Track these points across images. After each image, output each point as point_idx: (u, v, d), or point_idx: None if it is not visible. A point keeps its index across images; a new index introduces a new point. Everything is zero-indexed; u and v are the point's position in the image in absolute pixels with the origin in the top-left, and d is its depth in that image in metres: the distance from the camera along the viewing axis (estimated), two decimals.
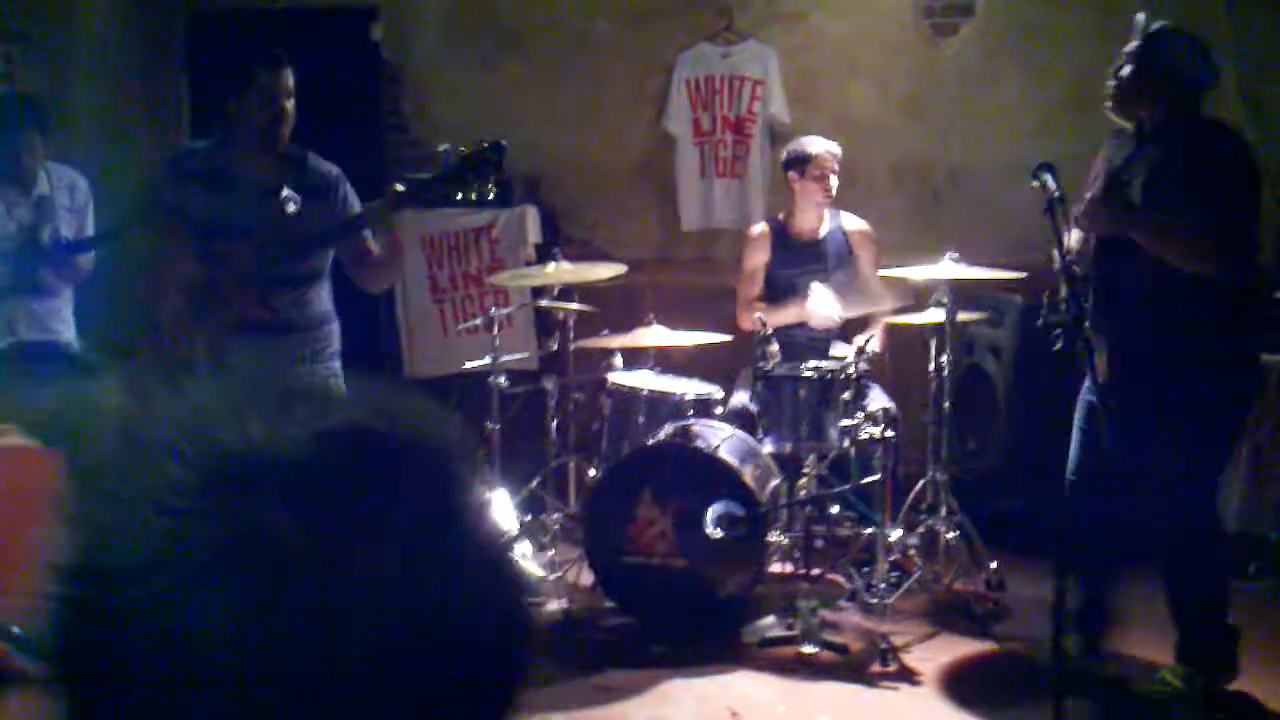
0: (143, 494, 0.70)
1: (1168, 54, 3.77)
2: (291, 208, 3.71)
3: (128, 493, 0.70)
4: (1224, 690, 3.80)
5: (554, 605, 4.78)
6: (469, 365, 5.37)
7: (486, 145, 3.63)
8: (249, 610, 0.68)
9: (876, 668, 4.15)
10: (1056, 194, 3.29)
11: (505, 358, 5.33)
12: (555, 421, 5.36)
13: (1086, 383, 3.73)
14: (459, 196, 3.75)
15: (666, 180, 6.53)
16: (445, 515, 0.77)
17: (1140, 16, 3.80)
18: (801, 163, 5.30)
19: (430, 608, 0.72)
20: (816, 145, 5.28)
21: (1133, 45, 3.84)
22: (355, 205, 3.89)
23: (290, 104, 3.76)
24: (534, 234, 6.25)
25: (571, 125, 6.57)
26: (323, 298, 3.90)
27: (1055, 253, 3.21)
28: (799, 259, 5.29)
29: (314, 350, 3.85)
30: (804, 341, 5.14)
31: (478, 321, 5.44)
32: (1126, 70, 3.81)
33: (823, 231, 5.39)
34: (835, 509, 4.78)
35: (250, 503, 0.70)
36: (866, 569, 4.74)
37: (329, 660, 0.69)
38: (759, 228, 5.45)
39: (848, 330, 5.17)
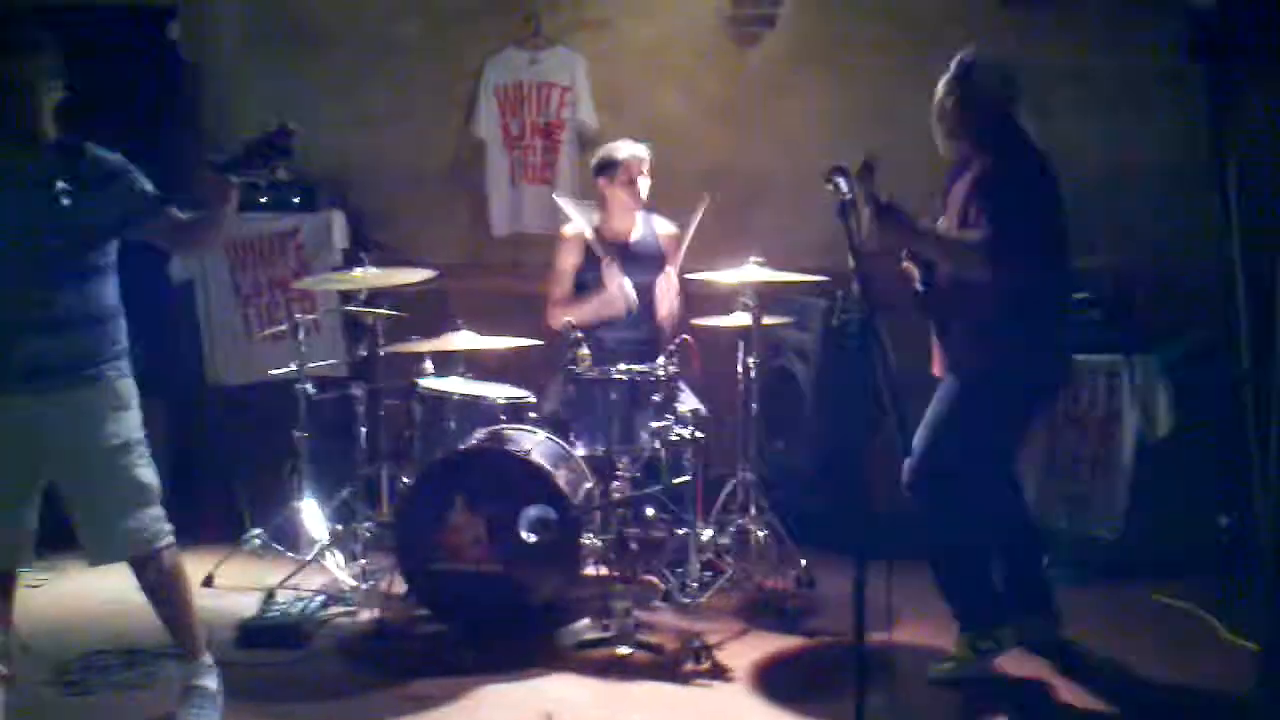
0: None
1: (981, 83, 3.99)
2: (65, 201, 3.55)
3: None
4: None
5: (366, 615, 4.71)
6: (274, 372, 5.24)
7: (272, 129, 3.56)
8: None
9: (690, 666, 4.20)
10: (849, 197, 3.39)
11: (312, 364, 5.23)
12: (365, 429, 5.28)
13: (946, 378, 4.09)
14: (246, 178, 3.66)
15: (476, 186, 6.50)
16: None
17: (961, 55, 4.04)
18: (610, 168, 5.34)
19: None
20: (624, 150, 5.33)
21: (948, 78, 4.02)
22: (146, 189, 3.74)
23: (49, 92, 3.60)
24: (340, 239, 6.15)
25: (379, 129, 6.48)
26: (106, 292, 3.74)
27: (850, 254, 3.30)
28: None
29: (97, 347, 3.70)
30: (614, 345, 5.18)
31: (283, 327, 5.32)
32: (949, 103, 4.02)
33: (634, 235, 5.44)
34: (648, 511, 4.82)
35: None
36: (679, 569, 4.79)
37: None
38: (571, 229, 5.47)
39: (658, 341, 5.22)
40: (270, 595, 4.79)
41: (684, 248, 5.27)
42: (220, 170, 3.64)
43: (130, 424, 3.76)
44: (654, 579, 4.88)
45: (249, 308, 6.17)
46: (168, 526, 3.81)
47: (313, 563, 5.04)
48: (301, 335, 5.14)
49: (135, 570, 3.81)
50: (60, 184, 3.57)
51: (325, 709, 3.96)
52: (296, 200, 6.13)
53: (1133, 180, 5.91)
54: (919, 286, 4.08)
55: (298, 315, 5.23)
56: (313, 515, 5.21)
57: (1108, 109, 5.93)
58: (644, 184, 5.34)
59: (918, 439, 4.00)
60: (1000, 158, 3.95)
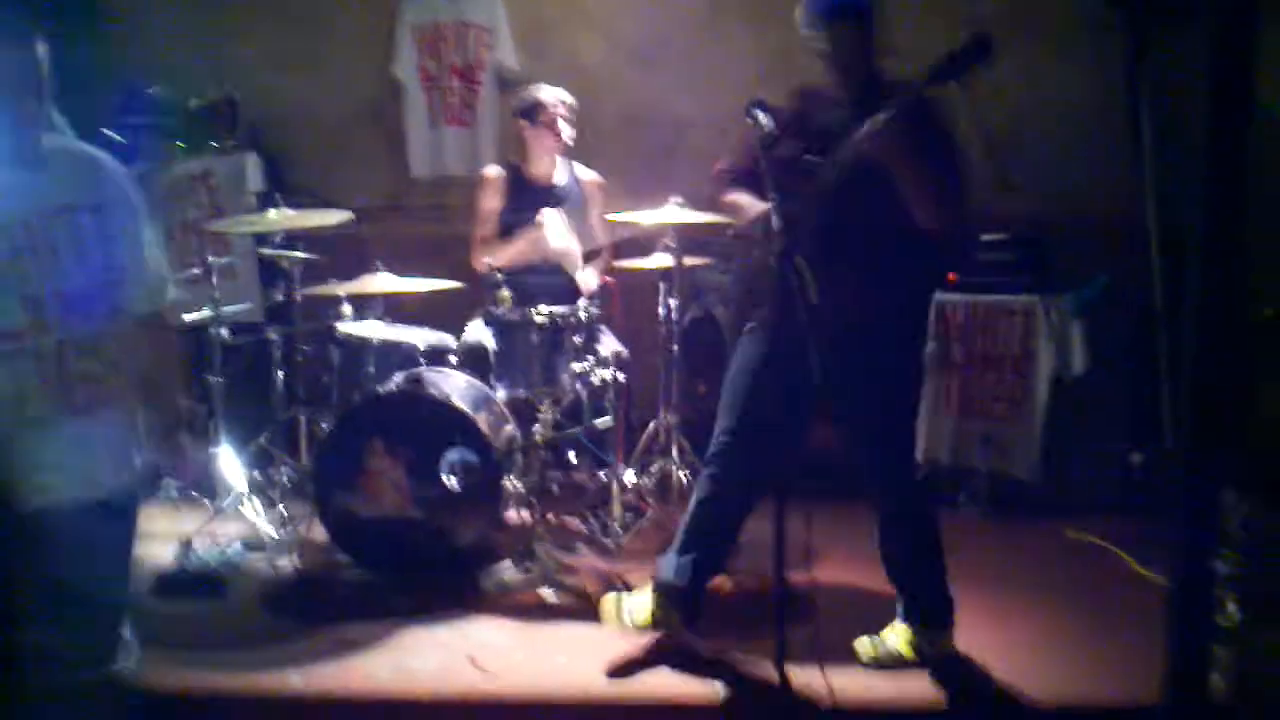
0: None
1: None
2: None
3: None
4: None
5: (286, 562, 4.66)
6: (188, 317, 5.14)
7: (221, 100, 3.48)
8: None
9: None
10: (770, 129, 3.36)
11: (227, 309, 5.14)
12: (282, 374, 5.21)
13: (751, 327, 3.83)
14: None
15: (395, 127, 6.40)
16: None
17: None
18: (532, 110, 5.29)
19: None
20: (546, 93, 5.29)
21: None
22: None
23: None
24: (255, 182, 6.02)
25: (295, 70, 6.35)
26: None
27: (770, 190, 3.27)
28: (533, 204, 5.28)
29: None
30: (536, 287, 5.15)
31: (196, 271, 5.21)
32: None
33: (557, 179, 5.40)
34: (570, 454, 4.82)
35: None
36: (601, 512, 4.80)
37: None
38: (494, 170, 5.41)
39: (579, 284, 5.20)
40: (188, 544, 4.72)
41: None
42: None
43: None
44: (576, 522, 4.89)
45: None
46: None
47: (230, 510, 4.98)
48: (215, 279, 5.04)
49: None
50: None
51: (247, 657, 3.92)
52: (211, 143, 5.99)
53: (1050, 122, 5.96)
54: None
55: (211, 258, 5.12)
56: (229, 462, 5.14)
57: (1028, 51, 5.97)
58: (566, 129, 5.29)
59: (873, 457, 3.79)
60: (919, 104, 3.74)
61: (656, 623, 3.88)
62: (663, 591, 3.88)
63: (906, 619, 3.89)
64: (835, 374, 3.33)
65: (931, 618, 3.87)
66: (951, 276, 5.46)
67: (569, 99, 5.30)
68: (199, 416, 5.29)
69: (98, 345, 2.74)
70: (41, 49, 2.67)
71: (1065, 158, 5.92)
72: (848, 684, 3.58)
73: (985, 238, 5.50)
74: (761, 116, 3.39)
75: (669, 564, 3.88)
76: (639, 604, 3.95)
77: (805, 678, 3.40)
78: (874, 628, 3.97)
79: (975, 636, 4.02)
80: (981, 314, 5.39)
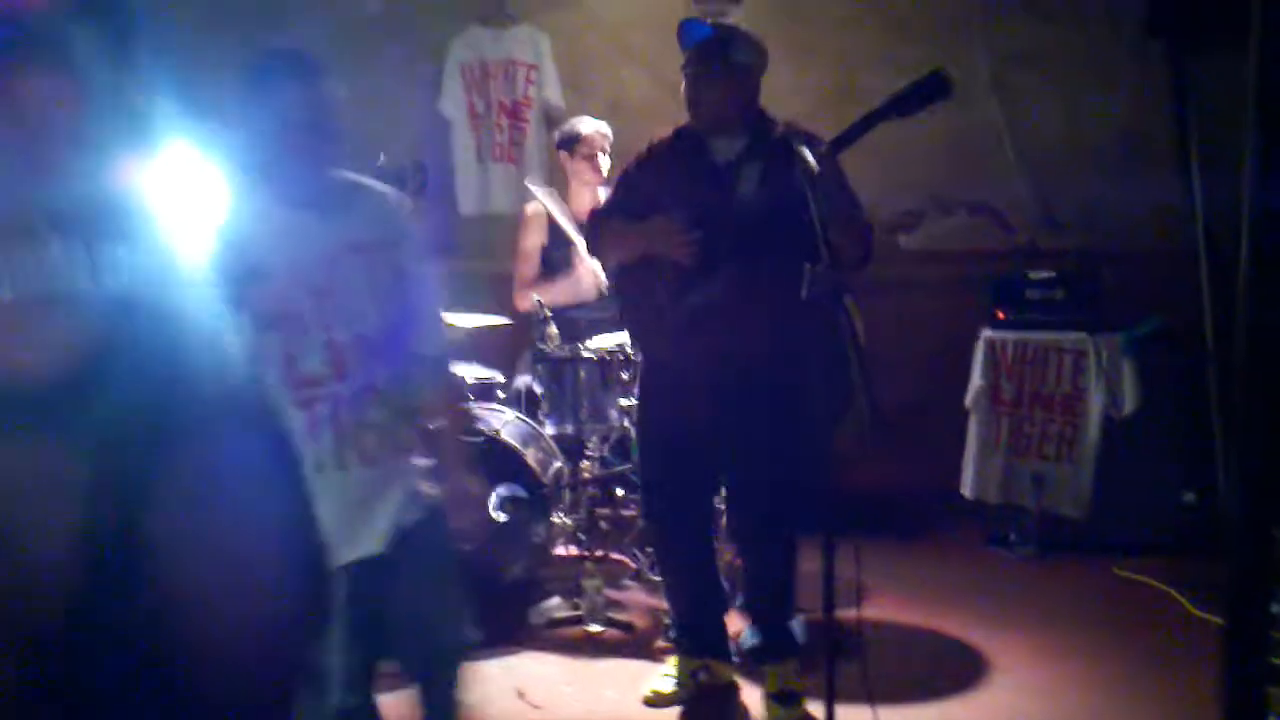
0: None
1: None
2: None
3: None
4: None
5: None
6: None
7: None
8: None
9: (660, 643, 4.22)
10: (814, 168, 3.38)
11: None
12: None
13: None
14: None
15: (443, 165, 6.47)
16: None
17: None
18: (572, 142, 5.34)
19: None
20: (586, 125, 5.33)
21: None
22: None
23: None
24: None
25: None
26: None
27: (818, 225, 3.29)
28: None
29: None
30: (583, 323, 5.18)
31: None
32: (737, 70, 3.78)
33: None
34: (618, 490, 4.83)
35: None
36: (649, 548, 4.81)
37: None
38: (534, 207, 5.46)
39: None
40: None
41: None
42: None
43: None
44: (624, 558, 4.89)
45: None
46: None
47: None
48: None
49: None
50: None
51: None
52: None
53: (1097, 158, 5.95)
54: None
55: None
56: None
57: (1071, 87, 5.97)
58: (604, 161, 5.34)
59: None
60: (796, 138, 3.69)
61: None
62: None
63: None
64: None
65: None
66: (1000, 314, 5.45)
67: (606, 129, 5.34)
68: None
69: (392, 391, 2.63)
70: (331, 87, 2.60)
71: (1112, 191, 5.90)
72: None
73: (1034, 275, 5.48)
74: (808, 155, 3.40)
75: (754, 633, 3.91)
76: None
77: (855, 716, 3.39)
78: (924, 665, 3.95)
79: (1025, 675, 4.00)
80: (1031, 352, 5.37)
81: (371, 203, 2.69)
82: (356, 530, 2.61)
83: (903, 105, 3.10)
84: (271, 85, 2.52)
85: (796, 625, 3.90)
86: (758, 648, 3.86)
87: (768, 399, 3.67)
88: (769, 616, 3.86)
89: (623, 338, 4.65)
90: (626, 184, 3.98)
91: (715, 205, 3.65)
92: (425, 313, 2.75)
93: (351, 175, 2.72)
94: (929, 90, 3.09)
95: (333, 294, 2.55)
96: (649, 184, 3.86)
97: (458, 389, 3.07)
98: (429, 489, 2.75)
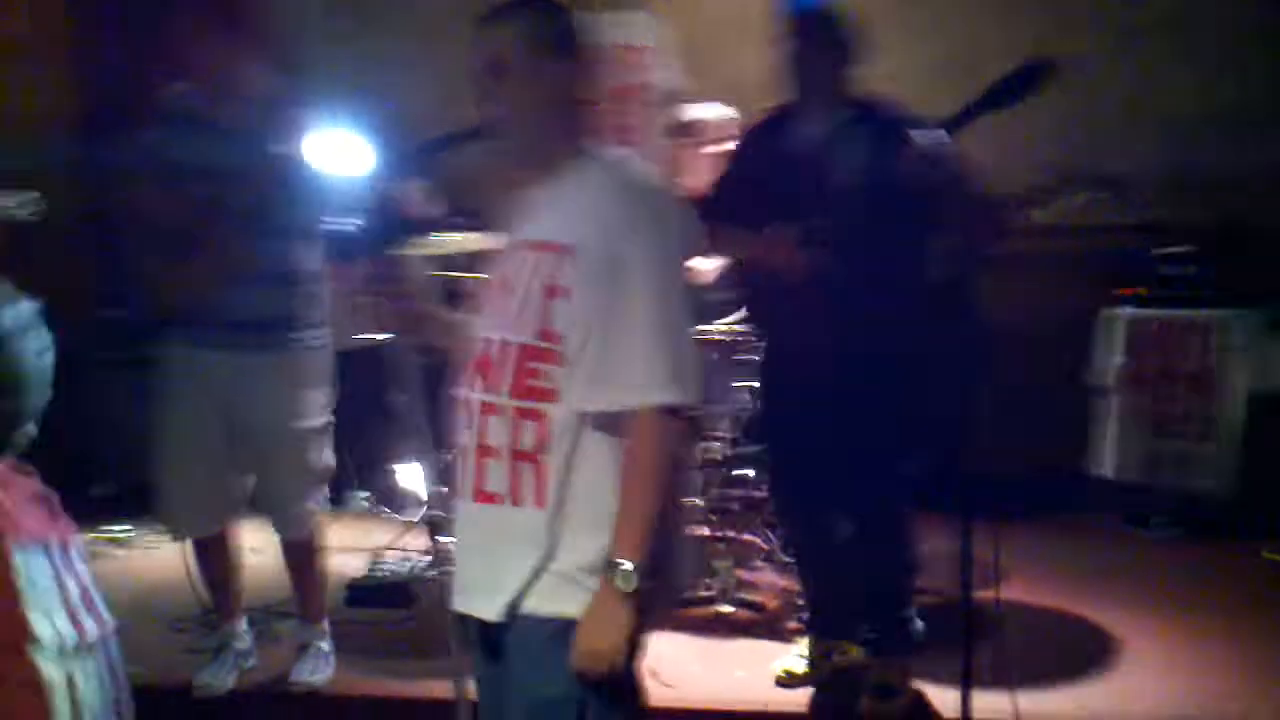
0: None
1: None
2: (270, 153, 3.57)
3: None
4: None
5: None
6: (375, 337, 5.31)
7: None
8: None
9: (791, 624, 4.22)
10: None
11: None
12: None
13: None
14: None
15: None
16: None
17: None
18: (687, 128, 5.30)
19: None
20: (701, 110, 5.29)
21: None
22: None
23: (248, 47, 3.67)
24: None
25: (451, 100, 6.48)
26: (307, 256, 3.78)
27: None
28: None
29: (293, 310, 3.74)
30: (710, 303, 5.18)
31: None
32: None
33: None
34: (749, 470, 4.82)
35: None
36: (779, 528, 4.80)
37: None
38: None
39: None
40: (377, 556, 4.88)
41: None
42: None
43: (318, 403, 3.82)
44: (755, 538, 4.89)
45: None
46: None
47: (418, 524, 5.13)
48: None
49: (286, 542, 3.92)
50: (266, 136, 3.58)
51: (431, 666, 4.03)
52: None
53: (1231, 128, 5.76)
54: None
55: None
56: (416, 478, 5.30)
57: (1204, 58, 5.79)
58: (721, 145, 5.30)
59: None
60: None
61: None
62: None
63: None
64: None
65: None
66: (1131, 290, 5.34)
67: (726, 114, 5.30)
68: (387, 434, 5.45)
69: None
70: None
71: (1246, 161, 5.71)
72: (1035, 706, 3.51)
73: (1167, 250, 5.35)
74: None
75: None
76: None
77: (991, 700, 3.35)
78: (1062, 648, 3.89)
79: (1165, 660, 3.92)
80: (1170, 329, 5.24)
81: None
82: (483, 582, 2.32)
83: (999, 98, 3.02)
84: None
85: (916, 623, 3.85)
86: (869, 639, 3.84)
87: (886, 381, 3.63)
88: (880, 609, 3.83)
89: (747, 318, 4.65)
90: (730, 171, 3.96)
91: (812, 189, 3.60)
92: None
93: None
94: (1024, 81, 3.00)
95: None
96: (750, 169, 3.84)
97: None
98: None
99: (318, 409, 3.82)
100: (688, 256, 2.32)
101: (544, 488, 2.21)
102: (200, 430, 3.70)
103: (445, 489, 5.22)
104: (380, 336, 5.27)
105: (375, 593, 4.60)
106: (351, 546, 5.11)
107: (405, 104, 5.58)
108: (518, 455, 2.22)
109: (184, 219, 3.59)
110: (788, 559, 4.58)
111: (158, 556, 5.08)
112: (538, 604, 2.22)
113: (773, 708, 3.72)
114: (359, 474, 5.67)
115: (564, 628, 2.20)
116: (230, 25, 3.65)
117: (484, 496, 2.26)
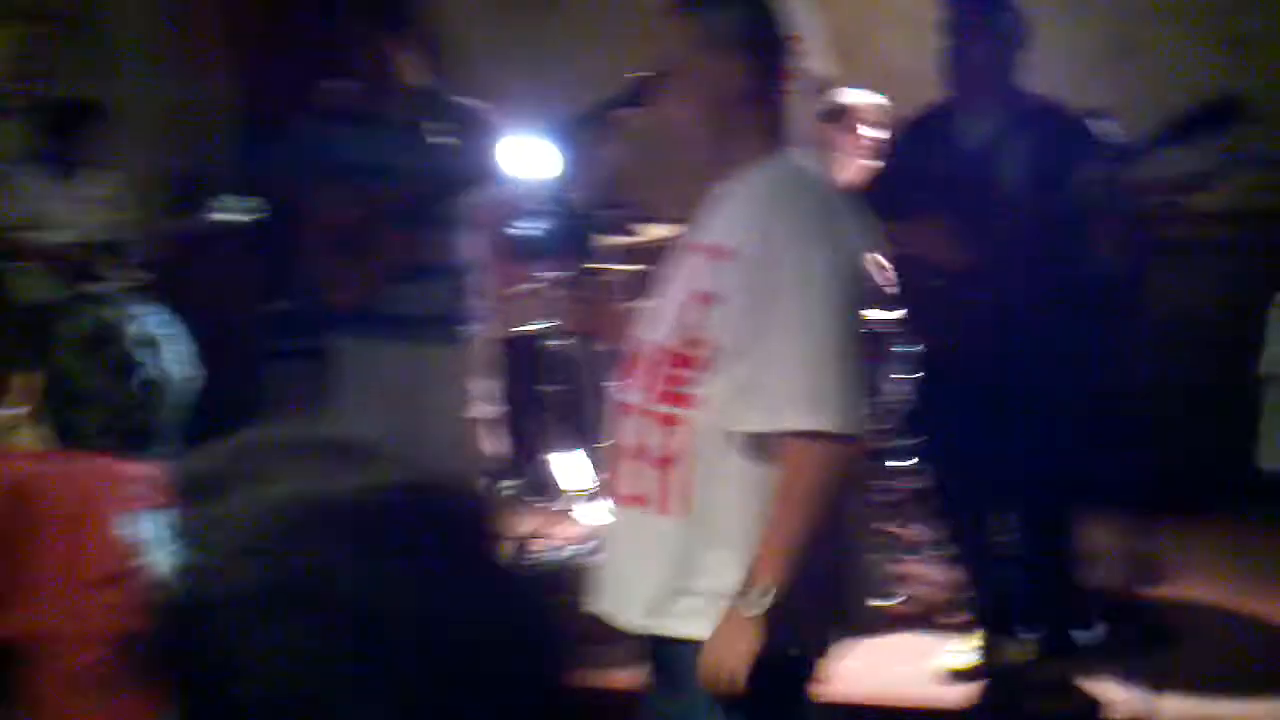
0: (233, 540, 0.84)
1: None
2: (438, 143, 3.61)
3: (222, 538, 0.84)
4: None
5: None
6: (525, 329, 5.34)
7: None
8: (313, 638, 0.81)
9: (954, 618, 4.15)
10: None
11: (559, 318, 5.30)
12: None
13: None
14: None
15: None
16: (479, 567, 0.89)
17: None
18: (836, 114, 5.22)
19: (467, 641, 0.84)
20: (851, 96, 5.21)
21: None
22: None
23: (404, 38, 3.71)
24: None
25: (609, 87, 6.49)
26: (469, 246, 3.86)
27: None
28: None
29: (456, 300, 3.79)
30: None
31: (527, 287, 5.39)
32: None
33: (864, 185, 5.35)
34: (909, 462, 4.74)
35: (315, 547, 0.83)
36: (941, 521, 4.71)
37: (373, 691, 0.80)
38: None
39: None
40: (527, 544, 4.91)
41: None
42: None
43: (481, 394, 3.91)
44: (916, 531, 4.81)
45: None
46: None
47: (566, 513, 5.16)
48: (547, 293, 5.23)
49: None
50: (426, 128, 3.64)
51: (589, 655, 4.04)
52: None
53: None
54: None
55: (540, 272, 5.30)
56: (565, 467, 5.32)
57: None
58: (872, 133, 5.21)
59: None
60: None
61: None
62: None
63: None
64: None
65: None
66: None
67: (877, 101, 5.22)
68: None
69: None
70: None
71: None
72: (1210, 711, 3.39)
73: None
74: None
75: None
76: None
77: (1166, 703, 3.26)
78: (1237, 649, 3.77)
79: None
80: None
81: None
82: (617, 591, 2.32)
83: (1188, 135, 2.90)
84: None
85: (1089, 623, 3.74)
86: (1039, 637, 3.74)
87: (1054, 377, 3.53)
88: (1050, 607, 3.73)
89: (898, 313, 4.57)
90: (890, 166, 3.88)
91: (977, 188, 3.52)
92: None
93: None
94: (1217, 118, 2.88)
95: None
96: (911, 164, 3.76)
97: None
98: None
99: (481, 400, 3.86)
100: (859, 271, 2.20)
101: (679, 496, 2.15)
102: (368, 422, 3.76)
103: (594, 479, 5.27)
104: (534, 327, 5.30)
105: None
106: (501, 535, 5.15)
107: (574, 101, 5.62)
108: (656, 460, 2.17)
109: (351, 217, 3.64)
110: (950, 552, 4.51)
111: None
112: (679, 626, 2.17)
113: (936, 705, 3.67)
114: (509, 462, 5.70)
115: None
116: (394, 20, 3.70)
117: (625, 499, 2.24)
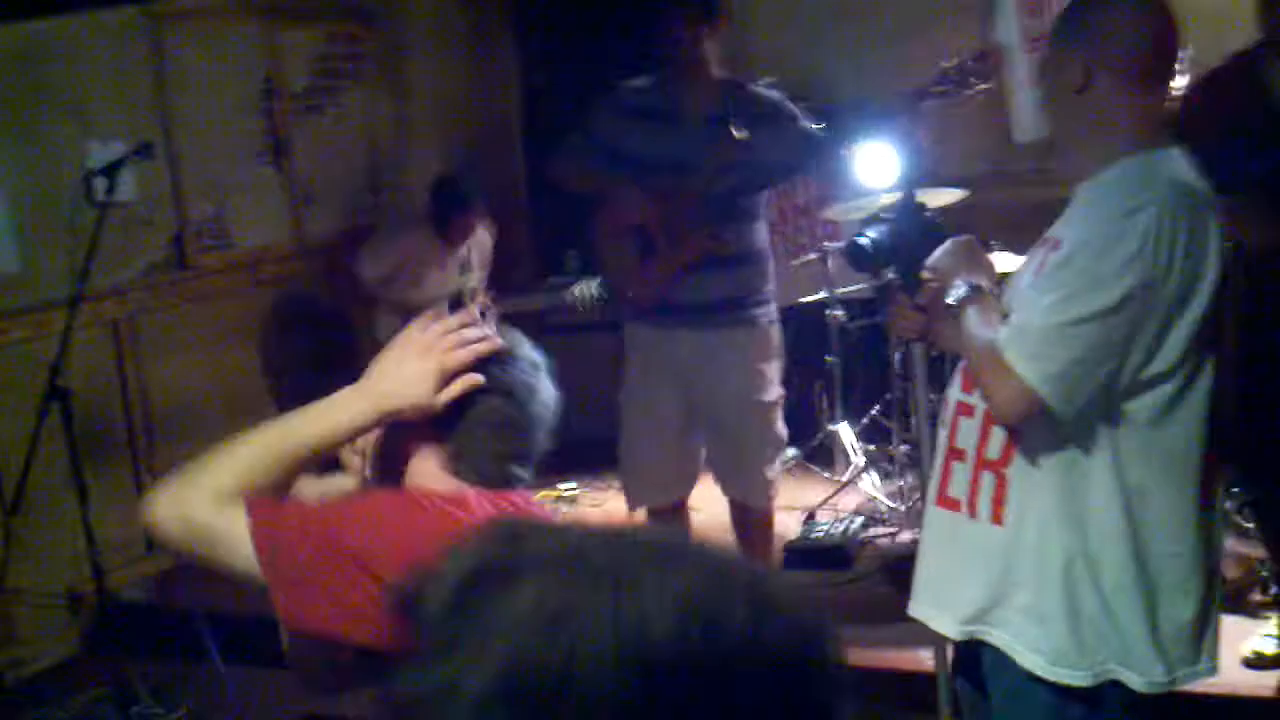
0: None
1: None
2: (739, 136, 3.63)
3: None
4: None
5: (906, 536, 4.75)
6: (804, 299, 5.35)
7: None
8: None
9: (1260, 598, 3.96)
10: None
11: (841, 290, 5.29)
12: (898, 353, 5.28)
13: None
14: None
15: (991, 91, 6.26)
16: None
17: None
18: None
19: None
20: None
21: None
22: (809, 129, 3.82)
23: (709, 28, 3.72)
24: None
25: (893, 43, 6.38)
26: (762, 234, 3.90)
27: None
28: None
29: (755, 286, 3.84)
30: None
31: (812, 256, 5.40)
32: None
33: None
34: None
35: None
36: (1240, 491, 4.48)
37: None
38: None
39: None
40: (811, 516, 4.94)
41: None
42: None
43: (775, 376, 3.93)
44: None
45: (776, 235, 6.29)
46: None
47: (850, 484, 5.15)
48: (829, 263, 5.21)
49: (741, 508, 4.03)
50: (733, 121, 3.66)
51: (874, 633, 4.03)
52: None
53: None
54: None
55: (826, 243, 5.29)
56: (847, 437, 5.31)
57: None
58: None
59: None
60: None
61: None
62: None
63: None
64: None
65: None
66: None
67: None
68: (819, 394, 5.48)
69: None
70: None
71: None
72: None
73: None
74: None
75: None
76: None
77: None
78: None
79: None
80: None
81: None
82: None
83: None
84: None
85: None
86: None
87: None
88: None
89: None
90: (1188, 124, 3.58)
91: None
92: None
93: None
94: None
95: None
96: (1212, 120, 3.45)
97: None
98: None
99: (775, 382, 3.90)
100: (1174, 258, 2.02)
101: (1003, 502, 2.11)
102: (663, 407, 3.86)
103: (872, 447, 5.25)
104: (815, 297, 5.30)
105: (813, 555, 4.65)
106: (783, 505, 5.19)
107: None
108: (983, 463, 2.14)
109: (652, 214, 3.71)
110: (1249, 524, 4.27)
111: (602, 513, 5.35)
112: (1011, 641, 2.13)
113: (1242, 691, 3.49)
114: (791, 432, 5.73)
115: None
116: (703, 7, 3.71)
117: (947, 502, 2.21)
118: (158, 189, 4.94)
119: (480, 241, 5.41)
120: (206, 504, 1.63)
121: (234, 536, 1.61)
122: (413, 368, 1.70)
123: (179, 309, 5.07)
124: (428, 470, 1.81)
